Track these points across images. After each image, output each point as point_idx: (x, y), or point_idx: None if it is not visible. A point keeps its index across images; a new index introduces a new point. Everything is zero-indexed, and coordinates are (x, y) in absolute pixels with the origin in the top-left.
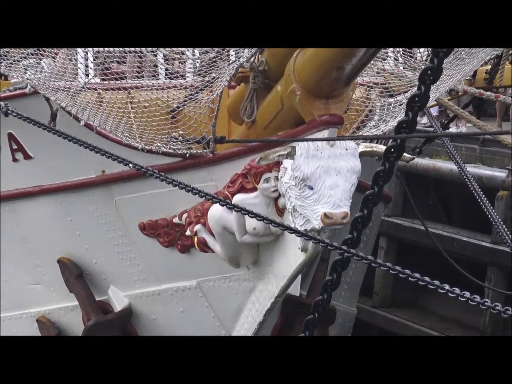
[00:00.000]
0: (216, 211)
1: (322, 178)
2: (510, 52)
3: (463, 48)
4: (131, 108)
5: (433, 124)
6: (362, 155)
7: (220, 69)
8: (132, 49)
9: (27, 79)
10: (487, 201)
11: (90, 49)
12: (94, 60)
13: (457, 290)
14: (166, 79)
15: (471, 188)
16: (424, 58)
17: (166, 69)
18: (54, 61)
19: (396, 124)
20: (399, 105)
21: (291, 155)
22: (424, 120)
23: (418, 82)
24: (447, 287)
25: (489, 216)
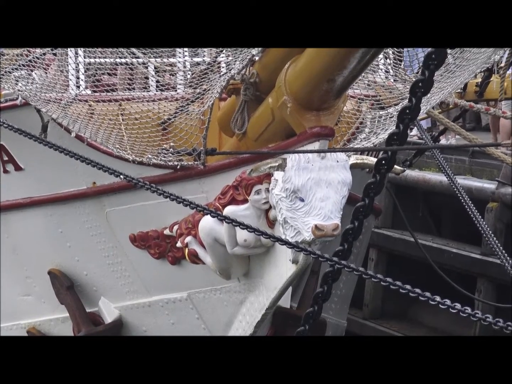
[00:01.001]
0: (207, 222)
1: (313, 190)
2: (500, 65)
3: (453, 61)
4: (122, 120)
5: (424, 136)
6: (353, 167)
7: (211, 81)
8: (123, 60)
9: (18, 90)
10: (477, 213)
11: (81, 60)
12: (85, 72)
13: (448, 302)
14: (157, 91)
15: (461, 200)
16: (415, 71)
17: (157, 81)
18: (46, 73)
19: (387, 136)
20: (390, 117)
21: (282, 167)
22: (413, 131)
23: (409, 95)
24: (438, 298)
25: (479, 227)
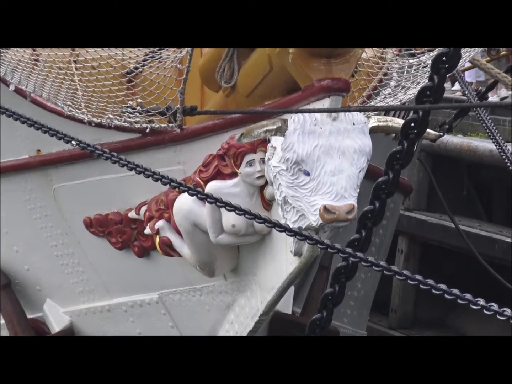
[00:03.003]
0: (184, 203)
1: (322, 161)
2: None
3: None
4: (76, 69)
5: (466, 91)
6: (373, 131)
7: None
8: None
9: None
10: None
11: None
12: None
13: (495, 306)
14: None
15: None
16: None
17: None
18: None
19: (417, 92)
20: (423, 67)
21: (281, 130)
22: (456, 86)
23: None
24: (481, 302)
25: None
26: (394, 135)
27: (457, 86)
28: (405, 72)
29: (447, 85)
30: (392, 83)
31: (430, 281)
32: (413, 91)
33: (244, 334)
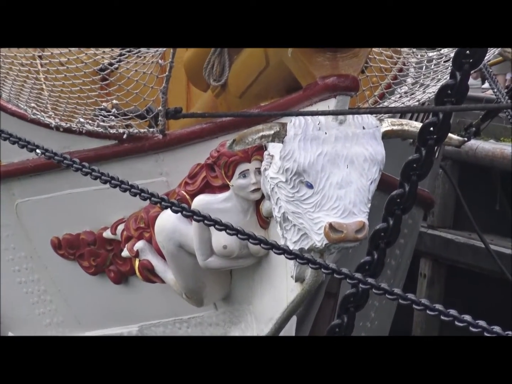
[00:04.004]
0: (167, 220)
1: (327, 171)
2: None
3: None
4: (41, 65)
5: (495, 89)
6: (387, 136)
7: None
8: None
9: None
10: None
11: None
12: None
13: None
14: None
15: None
16: None
17: None
18: None
19: (437, 90)
20: (444, 61)
21: (279, 136)
22: (486, 84)
23: None
24: None
25: None
26: (412, 140)
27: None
28: (424, 67)
29: (475, 82)
30: (409, 80)
31: (453, 312)
32: (433, 89)
33: None
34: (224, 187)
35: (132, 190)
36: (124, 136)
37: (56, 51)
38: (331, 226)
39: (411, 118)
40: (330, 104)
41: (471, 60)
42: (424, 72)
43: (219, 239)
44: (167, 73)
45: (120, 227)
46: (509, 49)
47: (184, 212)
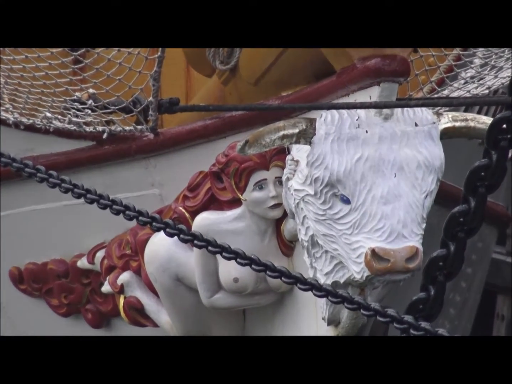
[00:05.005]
0: (161, 246)
1: (368, 181)
2: None
3: None
4: None
5: None
6: (447, 135)
7: None
8: None
9: None
10: None
11: None
12: None
13: None
14: None
15: None
16: None
17: None
18: None
19: None
20: None
21: (306, 135)
22: None
23: None
24: None
25: None
26: (480, 140)
27: None
28: None
29: None
30: (476, 61)
31: None
32: (508, 72)
33: None
34: (235, 202)
35: (114, 206)
36: (104, 136)
37: None
38: (375, 253)
39: (479, 112)
40: (373, 93)
41: None
42: (497, 50)
43: (229, 270)
44: (159, 53)
45: (100, 254)
46: None
47: (181, 236)
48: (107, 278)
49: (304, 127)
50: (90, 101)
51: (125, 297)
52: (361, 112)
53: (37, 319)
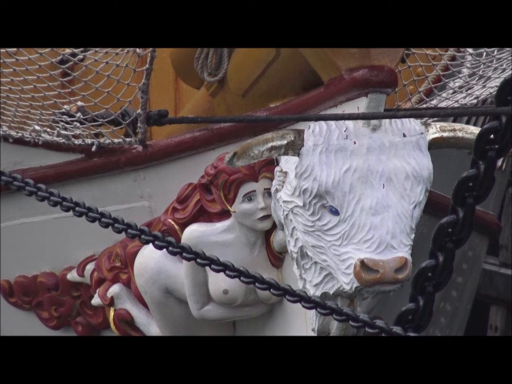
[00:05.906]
0: (150, 258)
1: (357, 192)
2: None
3: None
4: None
5: None
6: (435, 145)
7: None
8: None
9: None
10: None
11: None
12: None
13: None
14: None
15: None
16: None
17: None
18: None
19: (499, 86)
20: None
21: (295, 147)
22: None
23: None
24: None
25: None
26: (469, 150)
27: None
28: (484, 54)
29: None
30: (465, 71)
31: None
32: (496, 82)
33: None
34: (224, 214)
35: (103, 219)
36: (93, 148)
37: None
38: (364, 264)
39: (468, 122)
40: (360, 104)
41: None
42: (485, 60)
43: (218, 282)
44: (147, 65)
45: (90, 267)
46: None
47: (170, 248)
48: (97, 290)
49: (293, 138)
50: (78, 114)
51: (115, 310)
52: (349, 123)
53: (27, 332)
